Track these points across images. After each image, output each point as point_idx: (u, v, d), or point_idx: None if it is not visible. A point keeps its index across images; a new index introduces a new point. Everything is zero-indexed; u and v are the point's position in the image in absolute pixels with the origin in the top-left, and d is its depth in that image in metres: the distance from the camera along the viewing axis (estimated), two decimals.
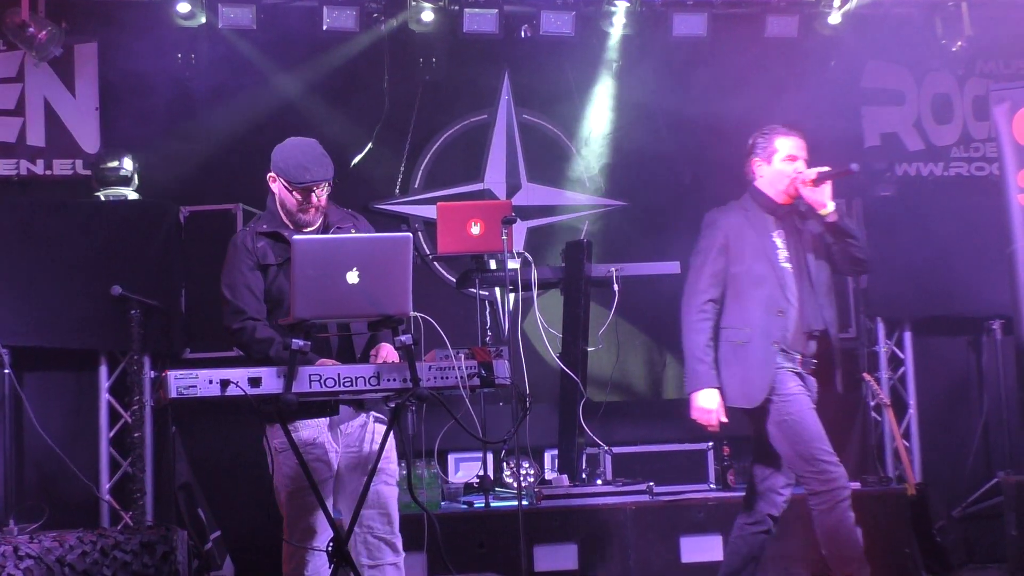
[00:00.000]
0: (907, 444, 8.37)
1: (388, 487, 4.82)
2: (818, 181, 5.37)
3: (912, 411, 8.55)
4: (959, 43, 8.68)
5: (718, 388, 5.40)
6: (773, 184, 5.50)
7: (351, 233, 4.86)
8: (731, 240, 5.49)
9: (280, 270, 4.73)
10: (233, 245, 4.88)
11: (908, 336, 8.64)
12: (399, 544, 4.84)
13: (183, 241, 7.86)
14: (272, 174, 4.84)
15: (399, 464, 4.97)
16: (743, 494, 5.75)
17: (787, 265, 5.40)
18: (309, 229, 4.84)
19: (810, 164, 5.46)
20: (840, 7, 8.43)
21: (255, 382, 4.22)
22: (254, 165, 8.08)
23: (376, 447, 4.68)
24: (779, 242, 5.44)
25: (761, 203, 5.53)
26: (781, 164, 5.47)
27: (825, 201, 5.37)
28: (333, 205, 4.96)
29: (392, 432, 4.65)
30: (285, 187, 4.78)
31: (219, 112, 8.21)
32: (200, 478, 7.45)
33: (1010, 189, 6.67)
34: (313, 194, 4.76)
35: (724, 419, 5.44)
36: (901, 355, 8.62)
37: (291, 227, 4.81)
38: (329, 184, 4.81)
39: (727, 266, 5.47)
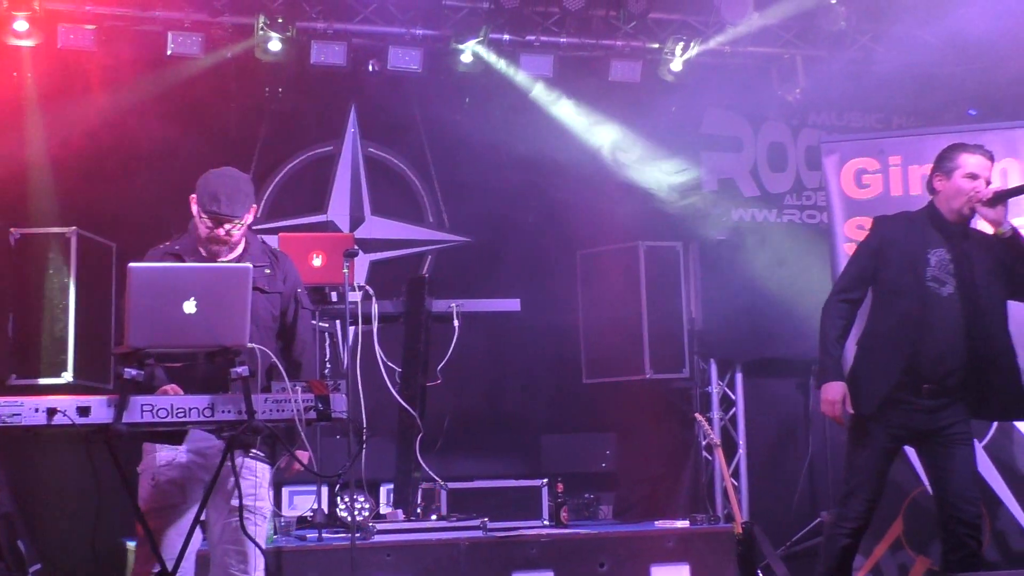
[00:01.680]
0: (736, 483, 8.56)
1: (249, 525, 4.64)
2: (994, 200, 5.30)
3: (742, 451, 8.75)
4: (795, 93, 8.98)
5: (844, 383, 5.36)
6: (948, 200, 5.40)
7: (265, 272, 4.82)
8: (884, 246, 5.44)
9: None
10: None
11: (739, 377, 8.85)
12: None
13: (13, 264, 7.62)
14: (192, 196, 4.79)
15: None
16: (577, 530, 5.81)
17: (932, 284, 5.32)
18: (226, 259, 4.78)
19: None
20: (681, 55, 8.65)
21: (84, 411, 4.11)
22: (92, 189, 8.01)
23: (241, 480, 4.60)
24: (934, 260, 5.36)
25: (932, 218, 5.44)
26: (961, 180, 5.37)
27: (1002, 219, 5.29)
28: (257, 240, 4.91)
29: (269, 471, 4.60)
30: (198, 212, 4.73)
31: (55, 133, 8.01)
32: (22, 509, 7.21)
33: (837, 238, 6.90)
34: (223, 227, 4.71)
35: (850, 410, 5.37)
36: (732, 396, 8.83)
37: (204, 254, 4.75)
38: (241, 222, 4.75)
39: (875, 272, 5.45)
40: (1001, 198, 5.28)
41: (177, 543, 4.53)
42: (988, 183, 5.35)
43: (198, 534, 4.63)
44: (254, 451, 4.71)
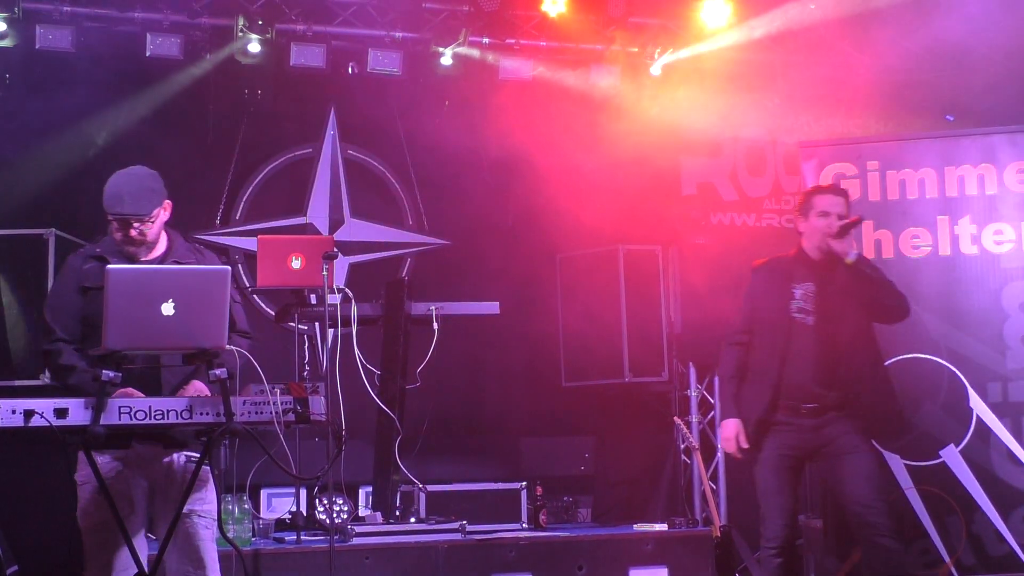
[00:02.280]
0: (714, 487, 8.57)
1: (201, 529, 4.67)
2: (841, 233, 5.70)
3: (720, 455, 8.75)
4: (773, 98, 9.00)
5: (737, 419, 5.82)
6: (809, 238, 5.85)
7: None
8: (759, 288, 5.94)
9: (99, 294, 4.58)
10: (65, 264, 4.77)
11: (718, 381, 8.85)
12: None
13: None
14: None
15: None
16: (556, 533, 5.88)
17: (799, 315, 5.74)
18: (147, 259, 4.72)
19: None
20: (661, 59, 8.68)
21: (61, 413, 4.10)
22: (68, 190, 7.98)
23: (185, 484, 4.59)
24: (799, 293, 5.76)
25: (798, 256, 5.89)
26: (815, 219, 5.79)
27: (848, 250, 5.69)
28: (180, 238, 4.87)
29: (211, 472, 4.57)
30: (108, 216, 4.67)
31: (33, 135, 7.98)
32: None
33: None
34: (133, 228, 4.64)
35: (745, 444, 5.81)
36: (711, 399, 8.83)
37: (124, 256, 4.68)
38: (150, 220, 4.68)
39: (752, 313, 5.91)
40: (846, 230, 5.70)
41: (138, 549, 4.49)
42: (841, 217, 5.74)
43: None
44: (188, 452, 4.69)
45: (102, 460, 4.51)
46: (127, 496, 4.58)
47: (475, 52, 8.57)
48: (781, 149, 9.50)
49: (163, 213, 4.74)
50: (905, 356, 6.72)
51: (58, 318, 4.63)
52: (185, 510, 4.53)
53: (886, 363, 6.10)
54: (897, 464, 6.65)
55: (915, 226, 6.84)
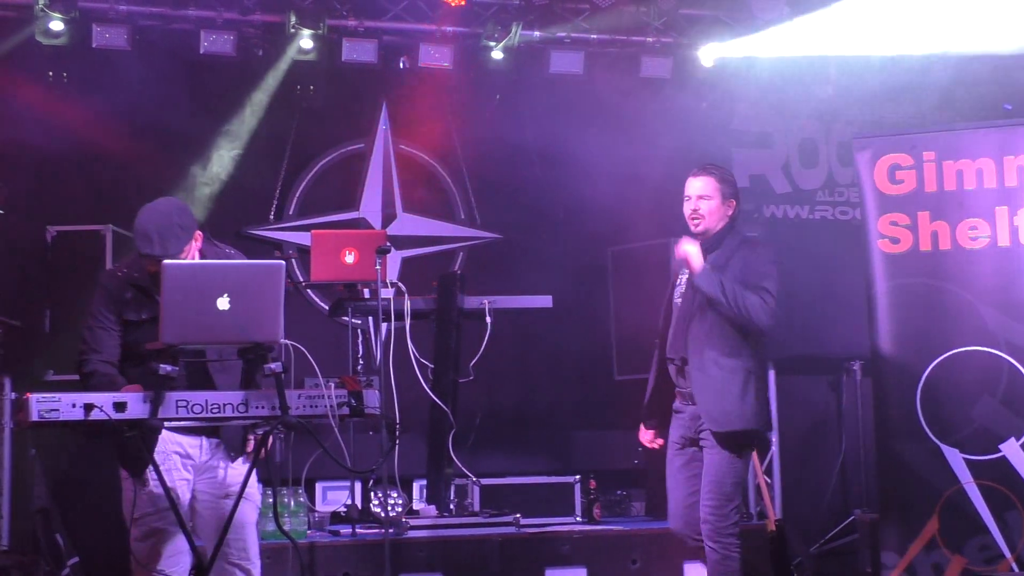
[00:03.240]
0: (769, 481, 8.52)
1: (247, 512, 4.69)
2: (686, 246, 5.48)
3: (775, 448, 8.70)
4: (826, 89, 8.94)
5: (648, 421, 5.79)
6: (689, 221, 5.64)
7: None
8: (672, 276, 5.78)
9: (140, 327, 4.60)
10: (102, 287, 4.72)
11: (772, 375, 8.79)
12: (256, 572, 4.75)
13: (49, 261, 7.68)
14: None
15: (265, 491, 4.90)
16: (609, 527, 5.87)
17: (678, 300, 5.59)
18: None
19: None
20: (712, 51, 8.63)
21: (120, 407, 4.14)
22: (125, 187, 8.07)
23: (232, 472, 4.63)
24: (683, 278, 5.60)
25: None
26: (685, 204, 5.59)
27: (694, 265, 5.42)
28: (211, 243, 4.89)
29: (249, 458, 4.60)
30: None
31: (90, 132, 8.07)
32: (58, 503, 7.28)
33: (871, 234, 6.86)
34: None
35: (655, 445, 5.80)
36: None
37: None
38: (183, 258, 4.60)
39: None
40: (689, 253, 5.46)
41: (180, 543, 4.54)
42: (704, 199, 5.50)
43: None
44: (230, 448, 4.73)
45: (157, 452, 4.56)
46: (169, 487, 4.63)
47: (526, 46, 8.56)
48: (835, 140, 9.45)
49: (193, 244, 4.66)
50: (963, 349, 6.64)
51: (96, 338, 4.64)
52: (233, 491, 4.56)
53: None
54: (956, 458, 6.58)
55: (972, 217, 6.73)
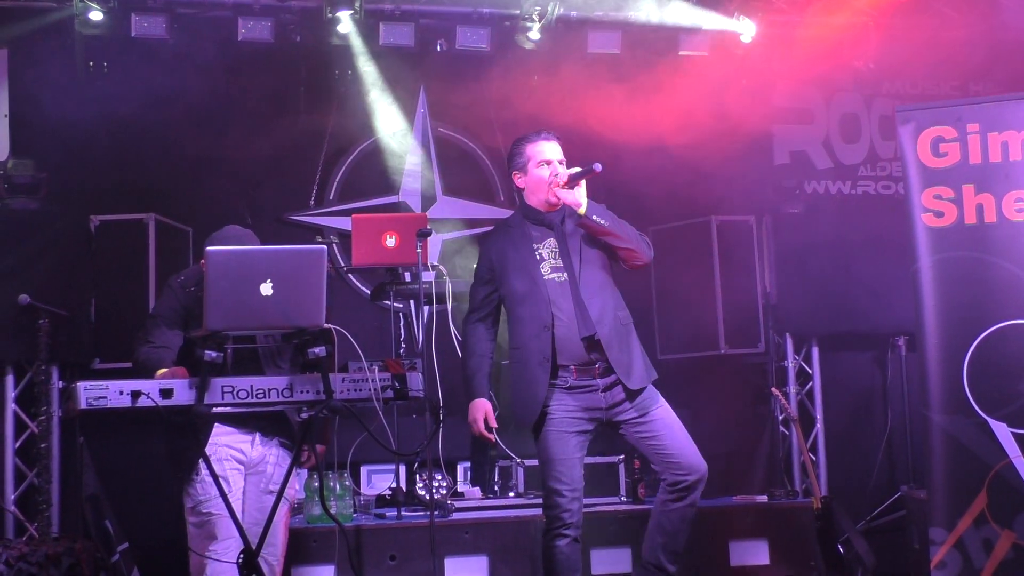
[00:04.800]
0: (814, 458, 8.50)
1: (281, 509, 4.81)
2: (571, 182, 5.34)
3: (819, 425, 8.68)
4: (867, 62, 8.86)
5: (486, 399, 5.53)
6: (534, 193, 5.49)
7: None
8: (495, 263, 5.50)
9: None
10: (169, 290, 4.95)
11: (816, 351, 8.77)
12: (277, 566, 4.84)
13: (93, 250, 7.75)
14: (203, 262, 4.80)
15: (311, 475, 4.96)
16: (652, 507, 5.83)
17: (554, 275, 5.39)
18: None
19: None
20: (751, 26, 8.57)
21: (167, 393, 4.18)
22: (167, 175, 8.13)
23: (280, 471, 4.70)
24: (544, 253, 5.42)
25: (528, 216, 5.52)
26: (536, 171, 5.44)
27: (580, 200, 5.32)
28: None
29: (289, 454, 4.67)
30: None
31: (131, 122, 8.12)
32: (108, 489, 7.34)
33: (915, 208, 6.79)
34: None
35: (493, 424, 5.51)
36: (809, 370, 8.76)
37: None
38: None
39: (497, 288, 5.52)
40: (576, 179, 5.31)
41: (233, 530, 4.59)
42: (562, 164, 5.41)
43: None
44: (283, 439, 4.79)
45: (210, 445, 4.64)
46: (221, 475, 4.68)
47: (563, 25, 8.53)
48: (876, 114, 9.37)
49: None
50: (1010, 322, 6.56)
51: (158, 329, 4.82)
52: (274, 487, 4.63)
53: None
54: (1004, 432, 6.51)
55: (1019, 188, 6.63)
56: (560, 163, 5.44)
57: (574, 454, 5.39)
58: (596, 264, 5.43)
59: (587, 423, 5.43)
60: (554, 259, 5.41)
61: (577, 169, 5.36)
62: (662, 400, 5.52)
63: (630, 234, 5.44)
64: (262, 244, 4.97)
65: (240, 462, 4.82)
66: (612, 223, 5.39)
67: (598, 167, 5.26)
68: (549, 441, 5.36)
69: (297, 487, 4.95)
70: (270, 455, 4.88)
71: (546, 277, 5.38)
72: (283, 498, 4.79)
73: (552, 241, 5.43)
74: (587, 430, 5.45)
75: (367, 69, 8.60)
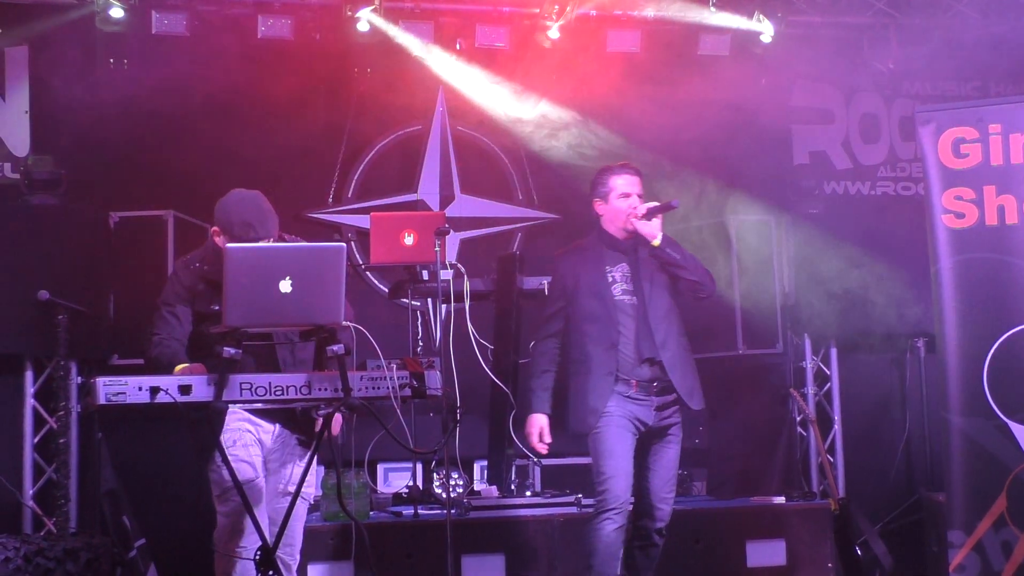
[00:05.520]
0: (831, 459, 8.47)
1: (299, 509, 4.83)
2: (648, 215, 5.75)
3: (837, 427, 8.66)
4: (887, 63, 8.83)
5: (546, 415, 5.85)
6: (612, 221, 5.89)
7: None
8: (568, 282, 5.90)
9: (210, 319, 4.68)
10: (176, 277, 4.91)
11: (834, 353, 8.75)
12: (293, 566, 4.85)
13: (112, 247, 7.77)
14: (215, 228, 4.82)
15: (327, 473, 4.96)
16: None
17: (624, 298, 5.78)
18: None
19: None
20: (769, 25, 8.55)
21: (185, 389, 4.19)
22: (186, 172, 8.14)
23: (297, 471, 4.70)
24: (616, 276, 5.81)
25: (604, 240, 5.92)
26: (616, 202, 5.85)
27: (656, 232, 5.75)
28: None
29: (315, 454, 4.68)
30: (226, 241, 4.74)
31: (150, 118, 8.14)
32: (126, 485, 7.36)
33: (935, 209, 6.76)
34: None
35: (548, 440, 5.87)
36: (827, 371, 8.73)
37: None
38: (273, 239, 4.79)
39: (567, 305, 5.89)
40: (654, 212, 5.75)
41: (261, 518, 4.60)
42: (640, 198, 5.83)
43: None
44: (301, 437, 4.80)
45: (233, 431, 4.64)
46: (248, 461, 4.72)
47: (582, 24, 8.52)
48: (896, 114, 9.34)
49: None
50: None
51: (166, 323, 4.80)
52: (290, 489, 4.64)
53: None
54: (1021, 437, 6.49)
55: None
56: (639, 196, 5.84)
57: (629, 450, 5.70)
58: (664, 291, 5.84)
59: (637, 430, 5.75)
60: (625, 283, 5.81)
61: (655, 203, 5.78)
62: (680, 438, 5.90)
63: (697, 268, 5.88)
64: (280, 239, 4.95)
65: (263, 446, 4.81)
66: (683, 257, 5.83)
67: (676, 204, 5.77)
68: (609, 434, 5.68)
69: (314, 485, 4.94)
70: (287, 450, 4.87)
71: (616, 299, 5.78)
72: (304, 500, 4.81)
73: (625, 266, 5.83)
74: (636, 435, 5.76)
75: (386, 67, 8.60)
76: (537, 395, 5.89)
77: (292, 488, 4.72)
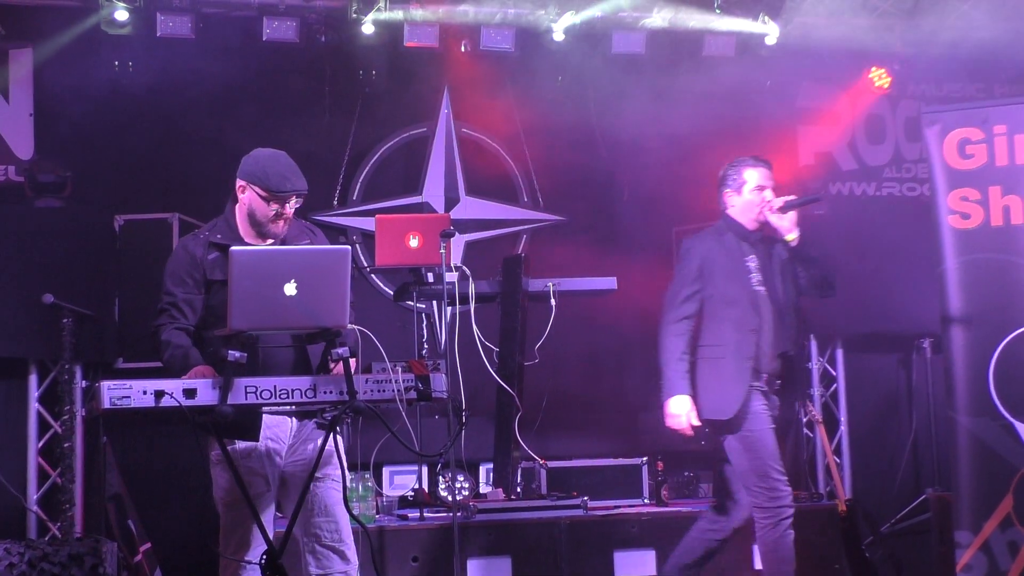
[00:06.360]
0: (838, 460, 8.46)
1: (333, 492, 4.74)
2: (784, 209, 5.78)
3: (843, 428, 8.64)
4: (892, 64, 8.82)
5: (690, 396, 5.71)
6: (744, 213, 5.87)
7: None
8: (705, 264, 5.82)
9: (225, 287, 4.63)
10: (183, 248, 4.77)
11: (840, 353, 8.73)
12: (351, 554, 4.76)
13: (117, 250, 7.77)
14: (243, 183, 4.73)
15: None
16: (678, 509, 5.89)
17: (760, 288, 5.75)
18: (270, 242, 4.76)
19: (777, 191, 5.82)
20: (775, 27, 8.53)
21: (190, 393, 4.17)
22: (190, 175, 8.15)
23: (316, 451, 4.65)
24: (752, 266, 5.78)
25: (735, 230, 5.88)
26: (750, 194, 5.84)
27: (790, 228, 5.77)
28: (292, 218, 4.91)
29: (335, 439, 4.60)
30: (260, 196, 4.68)
31: (155, 121, 8.15)
32: (131, 489, 7.37)
33: (940, 210, 6.75)
34: (288, 204, 4.69)
35: (696, 422, 5.74)
36: (833, 372, 8.71)
37: (247, 241, 4.71)
38: (300, 197, 4.74)
39: (702, 288, 5.80)
40: (791, 207, 5.79)
41: (267, 530, 4.56)
42: (774, 192, 5.85)
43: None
44: (318, 420, 4.73)
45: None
46: (261, 474, 4.66)
47: (587, 27, 8.50)
48: (901, 115, 9.33)
49: None
50: None
51: (177, 304, 4.69)
52: (318, 474, 4.59)
53: None
54: None
55: None
56: (772, 190, 5.86)
57: (777, 449, 5.71)
58: (792, 286, 5.87)
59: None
60: (758, 273, 5.79)
61: (793, 197, 5.85)
62: None
63: (828, 264, 5.94)
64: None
65: (278, 453, 4.76)
66: (816, 253, 5.88)
67: (819, 198, 5.98)
68: (762, 436, 5.68)
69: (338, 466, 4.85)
70: (306, 436, 4.79)
71: (755, 287, 5.76)
72: (335, 481, 4.74)
73: (755, 257, 5.82)
74: None
75: (391, 69, 8.60)
76: (678, 378, 5.74)
77: (320, 472, 4.64)
